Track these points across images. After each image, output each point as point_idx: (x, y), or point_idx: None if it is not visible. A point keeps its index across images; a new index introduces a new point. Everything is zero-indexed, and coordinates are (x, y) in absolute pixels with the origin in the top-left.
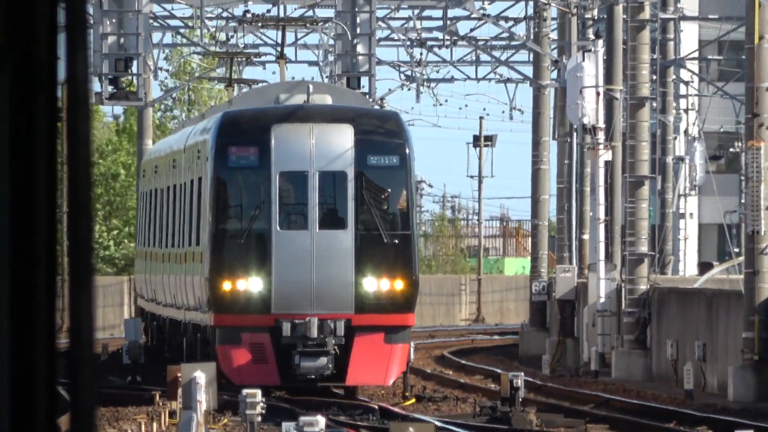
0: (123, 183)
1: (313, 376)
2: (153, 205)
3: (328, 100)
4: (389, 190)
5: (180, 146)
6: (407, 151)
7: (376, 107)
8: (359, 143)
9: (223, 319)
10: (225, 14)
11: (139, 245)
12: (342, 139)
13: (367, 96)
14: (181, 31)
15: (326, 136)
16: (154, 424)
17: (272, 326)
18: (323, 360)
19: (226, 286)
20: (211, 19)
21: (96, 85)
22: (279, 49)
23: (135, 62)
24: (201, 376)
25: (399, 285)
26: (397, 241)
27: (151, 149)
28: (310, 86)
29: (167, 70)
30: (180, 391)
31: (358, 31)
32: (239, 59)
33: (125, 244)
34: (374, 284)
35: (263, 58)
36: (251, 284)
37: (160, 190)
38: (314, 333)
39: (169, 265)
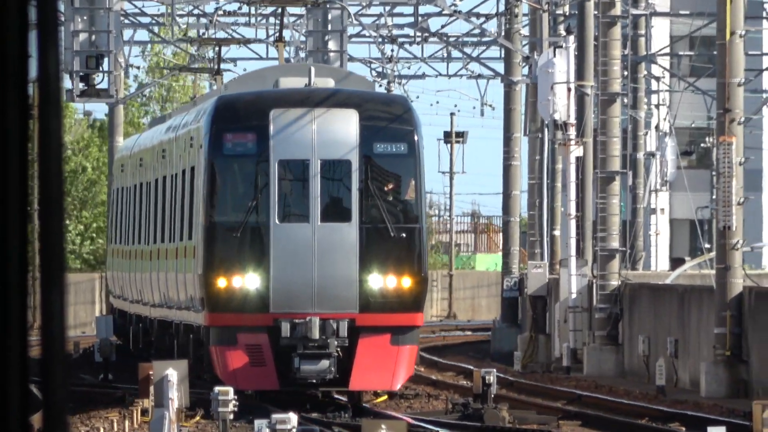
0: (90, 177)
1: (314, 381)
2: (137, 200)
3: (330, 84)
4: (397, 179)
5: (170, 135)
6: (416, 138)
7: (383, 91)
8: (365, 130)
9: (217, 318)
10: (196, 11)
11: (115, 243)
12: (346, 125)
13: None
14: (154, 29)
15: (329, 122)
16: (126, 422)
17: (270, 326)
18: (325, 363)
19: (221, 283)
20: (182, 16)
21: (67, 83)
22: (277, 32)
23: (106, 59)
24: (173, 373)
25: (407, 282)
26: (404, 235)
27: (127, 143)
28: (312, 68)
29: (138, 67)
30: (152, 388)
31: (330, 27)
32: (227, 46)
33: (95, 239)
34: (380, 281)
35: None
36: (248, 281)
37: (146, 183)
38: (315, 334)
39: (158, 262)
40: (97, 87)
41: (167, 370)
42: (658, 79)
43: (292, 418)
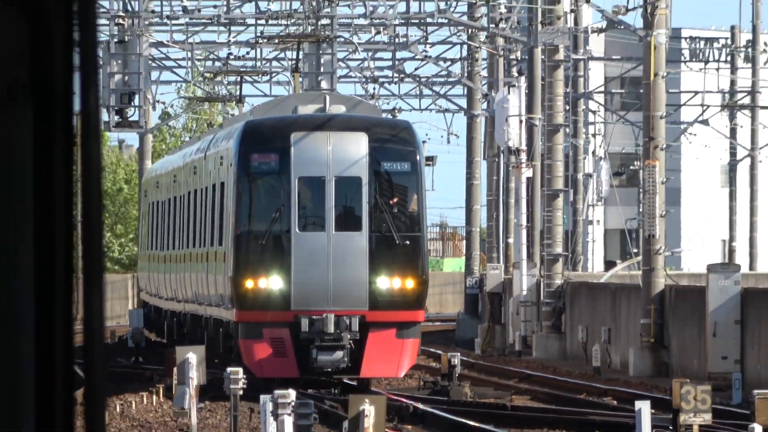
0: (125, 196)
1: (329, 369)
2: (171, 212)
3: (342, 110)
4: (401, 193)
5: (200, 155)
6: (418, 157)
7: (388, 117)
8: (373, 150)
9: (245, 315)
10: (211, 56)
11: (151, 249)
12: (357, 146)
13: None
14: (176, 70)
15: (342, 143)
16: (153, 398)
17: (291, 322)
18: (339, 354)
19: (249, 284)
20: (199, 60)
21: (105, 116)
22: (295, 64)
23: (137, 96)
24: (193, 356)
25: (410, 284)
26: (408, 243)
27: (162, 162)
28: (327, 97)
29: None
30: (175, 369)
31: (322, 69)
32: (251, 77)
33: (129, 247)
34: (387, 283)
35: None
36: (272, 282)
37: (179, 197)
38: (331, 328)
39: (191, 264)
40: (130, 119)
41: (188, 354)
42: (594, 112)
43: (291, 393)
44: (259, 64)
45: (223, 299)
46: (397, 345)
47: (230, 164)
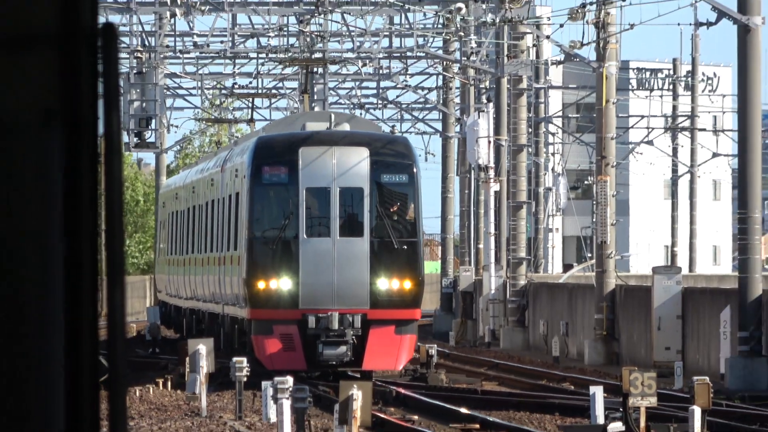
0: (143, 208)
1: (334, 362)
2: (190, 220)
3: (346, 127)
4: (399, 203)
5: (218, 168)
6: (415, 170)
7: (389, 133)
8: (374, 163)
9: (257, 313)
10: (218, 85)
11: (171, 254)
12: (359, 159)
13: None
14: (188, 98)
15: (346, 157)
16: (168, 383)
17: (300, 319)
18: (343, 348)
19: (261, 285)
20: (208, 89)
21: (125, 137)
22: (303, 86)
23: (153, 121)
24: (203, 348)
25: (407, 284)
26: (405, 247)
27: (181, 176)
28: (333, 115)
29: (177, 126)
30: (187, 359)
31: (315, 97)
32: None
33: (147, 254)
34: (386, 284)
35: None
36: (282, 283)
37: (198, 206)
38: (335, 325)
39: (209, 267)
40: (147, 141)
41: (198, 346)
42: (553, 134)
43: (289, 380)
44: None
45: (237, 299)
46: (396, 340)
47: (244, 176)
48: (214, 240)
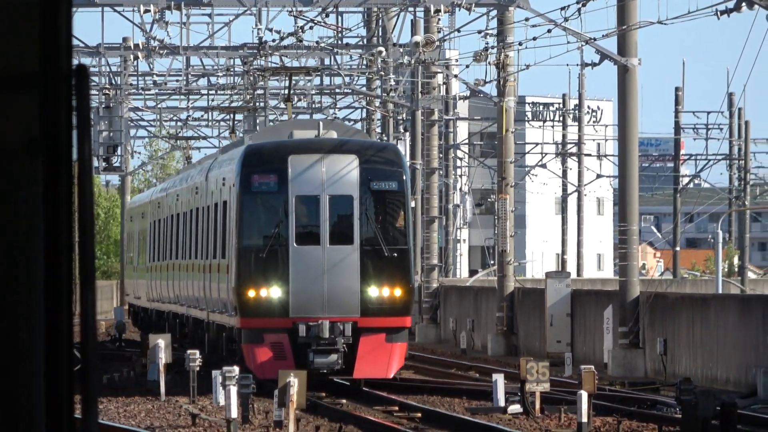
0: (103, 220)
1: (325, 371)
2: (172, 227)
3: (333, 135)
4: (389, 210)
5: (202, 177)
6: (404, 177)
7: (377, 140)
8: (363, 171)
9: (248, 322)
10: (175, 118)
11: (153, 261)
12: (349, 167)
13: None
14: (149, 129)
15: (335, 165)
16: (132, 372)
17: (290, 328)
18: (334, 356)
19: (251, 293)
20: (167, 120)
21: (95, 162)
22: (287, 93)
23: (119, 148)
24: (161, 342)
25: (398, 292)
26: (396, 255)
27: (164, 185)
28: (321, 123)
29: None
30: (148, 351)
31: (258, 129)
32: (244, 113)
33: (112, 260)
34: (377, 292)
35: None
36: (272, 292)
37: (183, 214)
38: (326, 333)
39: (193, 273)
40: (114, 165)
41: (158, 340)
42: (461, 158)
43: (236, 369)
44: (212, 122)
45: (226, 306)
46: (387, 348)
47: (233, 184)
48: (199, 248)
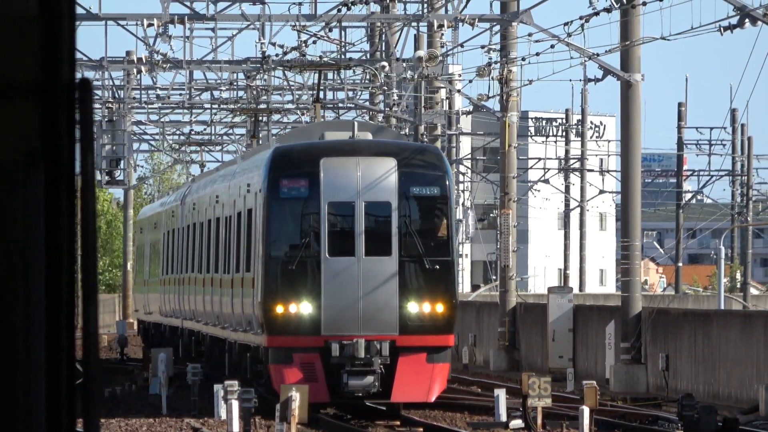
0: (105, 233)
1: (360, 394)
2: (189, 238)
3: (369, 136)
4: (431, 218)
5: (224, 184)
6: (447, 182)
7: (417, 142)
8: (402, 175)
9: (275, 340)
10: (178, 131)
11: (166, 274)
12: (386, 171)
13: None
14: (152, 142)
15: (371, 168)
16: (134, 386)
17: (322, 347)
18: (370, 378)
19: (279, 309)
20: (169, 134)
21: (98, 176)
22: (315, 94)
23: (122, 161)
24: (164, 356)
25: (440, 308)
26: (438, 267)
27: (177, 194)
28: (355, 123)
29: (141, 166)
30: (150, 365)
31: (260, 142)
32: (261, 115)
33: (114, 272)
34: (417, 307)
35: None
36: (302, 308)
37: (200, 224)
38: (361, 353)
39: (212, 288)
40: (117, 179)
41: (160, 354)
42: (463, 173)
43: (236, 383)
44: (213, 138)
45: (251, 324)
46: (427, 369)
47: (259, 190)
48: (219, 260)
